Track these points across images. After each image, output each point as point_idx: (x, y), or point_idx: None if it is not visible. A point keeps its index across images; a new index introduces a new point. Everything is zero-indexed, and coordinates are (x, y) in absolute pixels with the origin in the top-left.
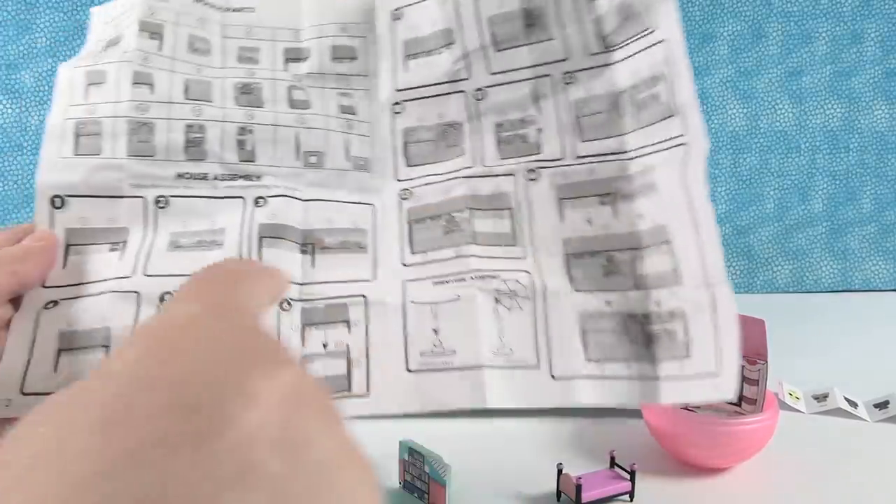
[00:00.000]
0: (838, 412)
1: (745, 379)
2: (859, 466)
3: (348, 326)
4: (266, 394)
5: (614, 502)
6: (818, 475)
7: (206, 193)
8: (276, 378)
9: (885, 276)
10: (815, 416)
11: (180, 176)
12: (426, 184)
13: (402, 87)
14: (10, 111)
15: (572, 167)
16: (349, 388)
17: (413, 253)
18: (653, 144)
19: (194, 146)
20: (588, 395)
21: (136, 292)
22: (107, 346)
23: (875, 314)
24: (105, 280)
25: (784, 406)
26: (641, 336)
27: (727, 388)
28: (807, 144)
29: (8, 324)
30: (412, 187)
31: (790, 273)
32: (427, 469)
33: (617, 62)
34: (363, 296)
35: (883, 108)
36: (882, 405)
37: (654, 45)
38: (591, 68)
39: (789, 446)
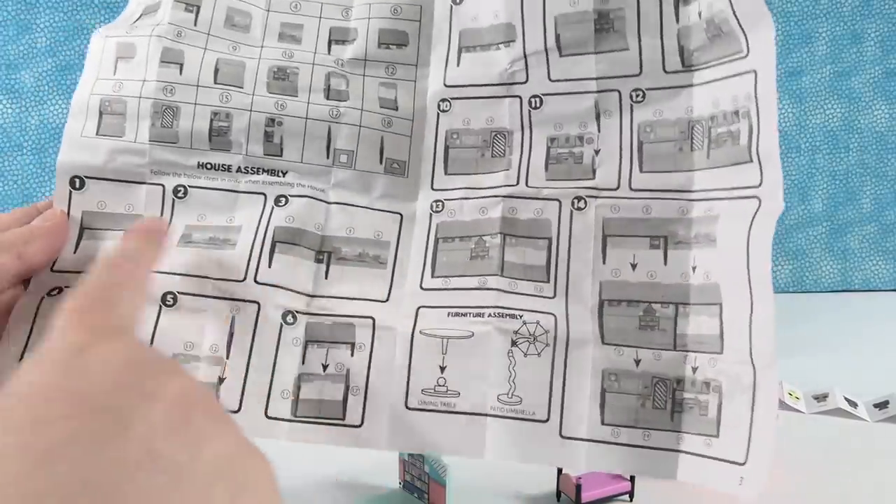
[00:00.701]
0: (838, 412)
1: None
2: (859, 466)
3: (352, 349)
4: (164, 394)
5: (614, 502)
6: (818, 475)
7: (228, 186)
8: (171, 382)
9: (885, 276)
10: (814, 416)
11: (202, 166)
12: (463, 198)
13: (451, 84)
14: (10, 111)
15: (626, 200)
16: (343, 417)
17: (434, 276)
18: (722, 189)
19: (219, 135)
20: (596, 461)
21: None
22: None
23: (875, 314)
24: None
25: (784, 406)
26: (670, 402)
27: (753, 483)
28: (807, 144)
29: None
30: (446, 199)
31: (790, 273)
32: (427, 469)
33: (697, 85)
34: (372, 318)
35: (883, 108)
36: (882, 405)
37: (742, 73)
38: (666, 88)
39: (789, 446)
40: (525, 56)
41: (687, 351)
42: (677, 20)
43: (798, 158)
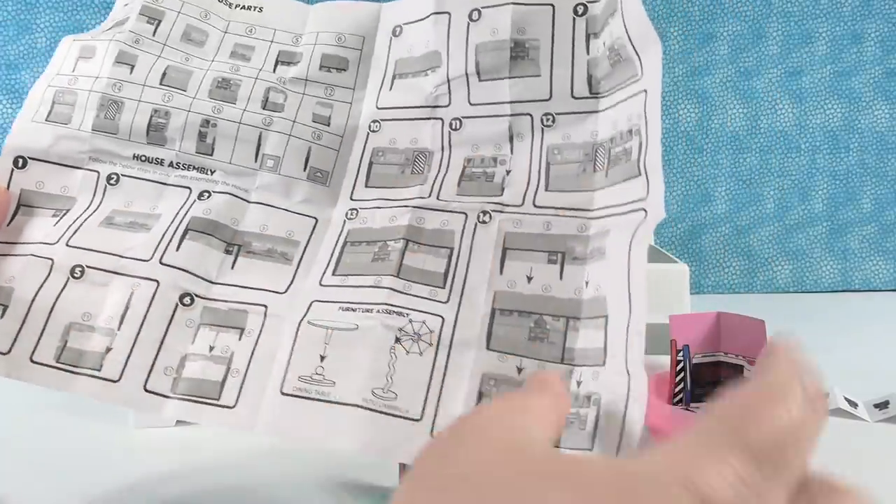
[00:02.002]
0: (838, 412)
1: (745, 379)
2: (859, 466)
3: (241, 334)
4: None
5: None
6: None
7: (158, 178)
8: None
9: (885, 276)
10: None
11: (137, 157)
12: (376, 207)
13: (382, 106)
14: (10, 111)
15: (529, 216)
16: (218, 398)
17: (334, 275)
18: (616, 206)
19: (156, 131)
20: None
21: (50, 259)
22: (5, 306)
23: (875, 314)
24: (32, 243)
25: None
26: None
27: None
28: (807, 144)
29: None
30: (361, 208)
31: (790, 273)
32: None
33: (602, 110)
34: (265, 306)
35: (883, 108)
36: (882, 405)
37: (636, 94)
38: (574, 113)
39: None
40: (448, 80)
41: (573, 365)
42: (587, 51)
43: (798, 158)
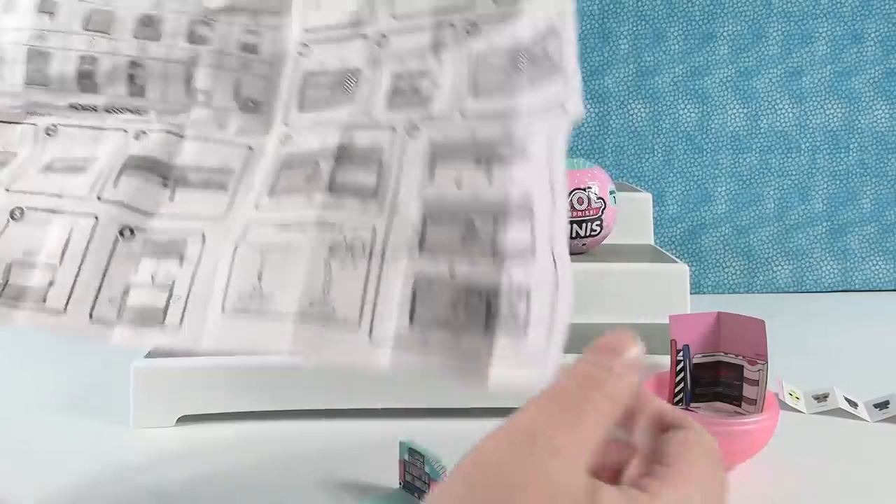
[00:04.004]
0: (838, 412)
1: (745, 379)
2: (859, 466)
3: (181, 261)
4: None
5: None
6: (818, 475)
7: (94, 124)
8: None
9: (885, 276)
10: (815, 416)
11: (72, 106)
12: (308, 130)
13: (309, 27)
14: None
15: (456, 125)
16: (163, 321)
17: (269, 197)
18: (537, 105)
19: (86, 78)
20: (404, 363)
21: None
22: None
23: (875, 314)
24: None
25: (784, 406)
26: (484, 309)
27: (551, 369)
28: (807, 144)
29: None
30: (294, 133)
31: (790, 273)
32: (427, 469)
33: (522, 14)
34: (203, 233)
35: (883, 108)
36: (882, 405)
37: None
38: (496, 19)
39: (789, 446)
40: None
41: (504, 260)
42: None
43: (798, 158)
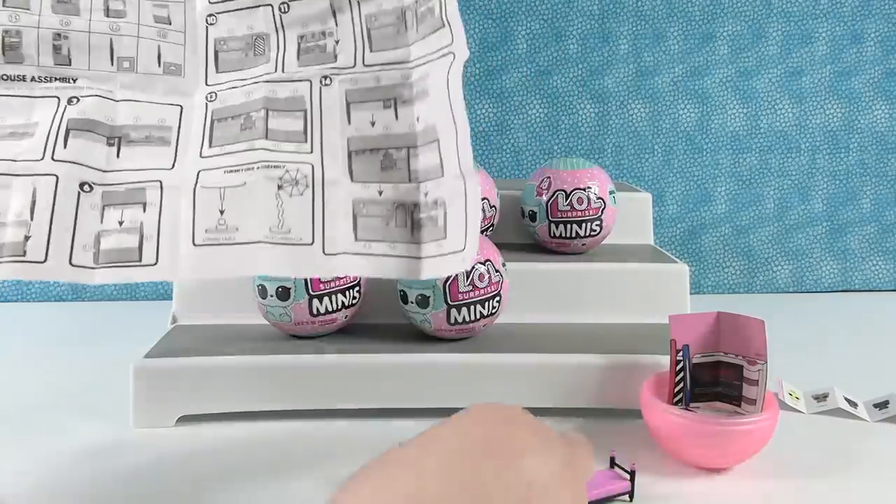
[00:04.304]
0: (838, 412)
1: (745, 379)
2: (859, 466)
3: (144, 207)
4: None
5: (614, 502)
6: (818, 475)
7: (24, 93)
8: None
9: (885, 276)
10: (814, 416)
11: (0, 77)
12: (231, 88)
13: (214, 1)
14: None
15: (361, 74)
16: (140, 259)
17: (211, 146)
18: (429, 54)
19: (12, 49)
20: (354, 268)
21: None
22: None
23: (875, 314)
24: None
25: (784, 406)
26: (409, 221)
27: (469, 259)
28: (807, 144)
29: None
30: (218, 91)
31: (790, 273)
32: None
33: None
34: (160, 181)
35: (883, 108)
36: (882, 405)
37: None
38: None
39: (789, 446)
40: None
41: (419, 181)
42: None
43: (798, 158)
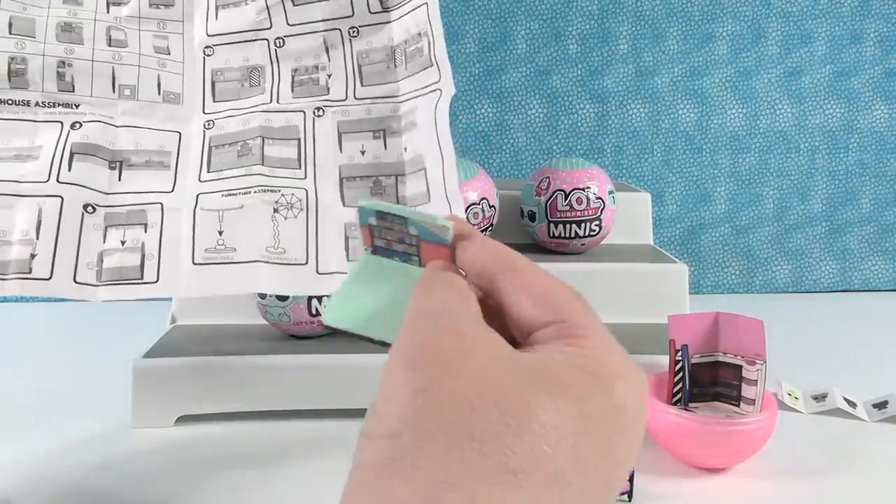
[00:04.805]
0: (837, 412)
1: (744, 379)
2: (858, 466)
3: (145, 228)
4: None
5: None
6: (817, 475)
7: (28, 118)
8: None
9: (884, 276)
10: (814, 416)
11: (4, 102)
12: (228, 116)
13: (212, 34)
14: None
15: (353, 107)
16: (141, 277)
17: (209, 171)
18: (417, 90)
19: (17, 76)
20: None
21: None
22: None
23: (874, 314)
24: None
25: (783, 406)
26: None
27: None
28: (806, 144)
29: None
30: (216, 119)
31: (790, 273)
32: (413, 230)
33: (393, 21)
34: (160, 203)
35: (882, 108)
36: (881, 405)
37: (419, 6)
38: (373, 25)
39: (788, 446)
40: (267, 7)
41: (406, 206)
42: None
43: (798, 158)
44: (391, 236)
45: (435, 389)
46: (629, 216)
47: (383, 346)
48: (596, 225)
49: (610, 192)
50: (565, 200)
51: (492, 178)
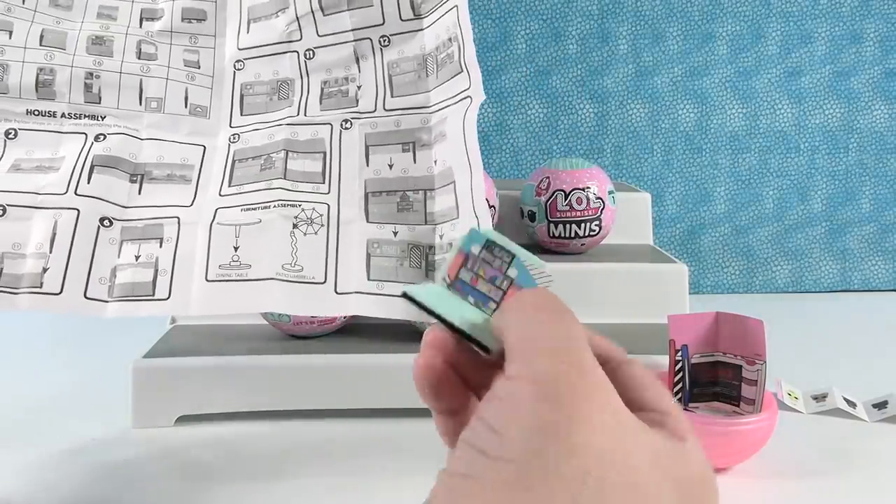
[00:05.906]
0: (837, 412)
1: (743, 379)
2: (858, 466)
3: (161, 243)
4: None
5: None
6: (817, 475)
7: (53, 129)
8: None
9: (884, 276)
10: (813, 416)
11: (30, 112)
12: (254, 129)
13: (243, 47)
14: None
15: (382, 119)
16: (153, 293)
17: (230, 186)
18: (448, 99)
19: (45, 87)
20: (366, 308)
21: None
22: None
23: (874, 314)
24: None
25: (783, 406)
26: (423, 263)
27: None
28: (806, 144)
29: None
30: (242, 132)
31: (790, 273)
32: (513, 272)
33: (425, 28)
34: (178, 217)
35: (882, 108)
36: (881, 405)
37: (450, 9)
38: (404, 33)
39: (788, 446)
40: (297, 18)
41: (435, 224)
42: None
43: (797, 158)
44: (484, 272)
45: (564, 428)
46: (629, 216)
47: (457, 333)
48: (596, 225)
49: (610, 192)
50: (565, 200)
51: (492, 177)
